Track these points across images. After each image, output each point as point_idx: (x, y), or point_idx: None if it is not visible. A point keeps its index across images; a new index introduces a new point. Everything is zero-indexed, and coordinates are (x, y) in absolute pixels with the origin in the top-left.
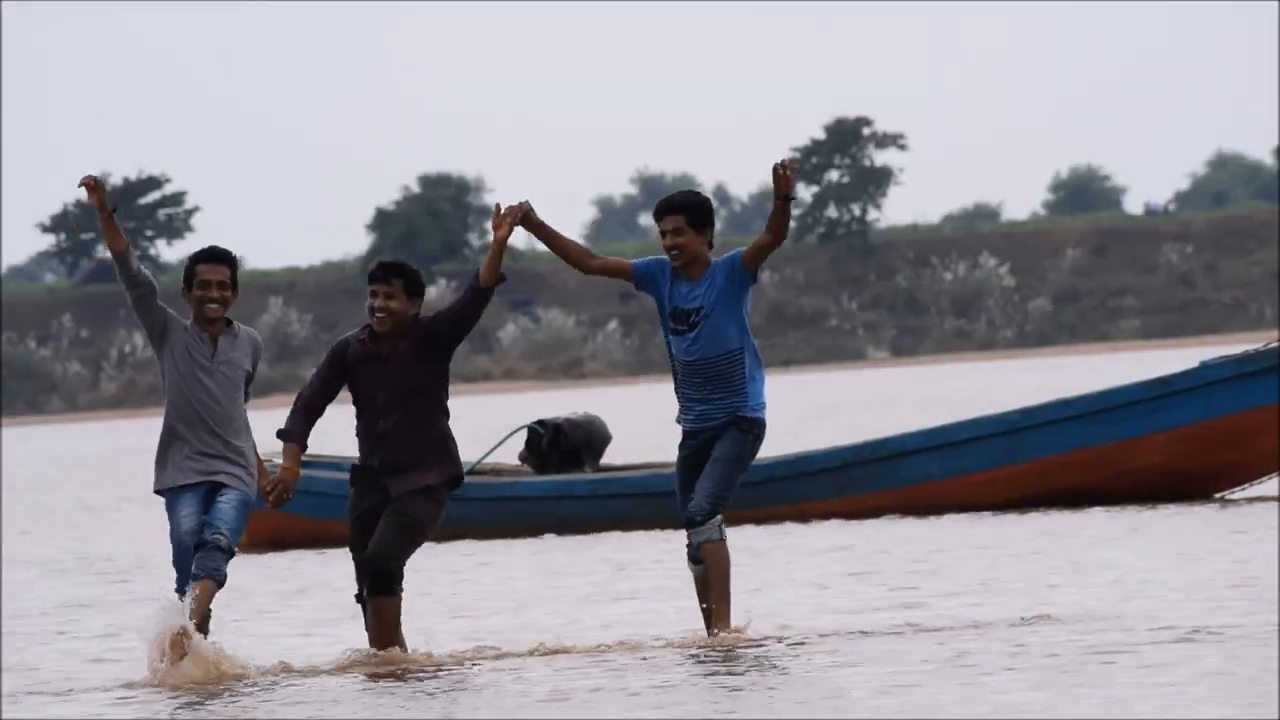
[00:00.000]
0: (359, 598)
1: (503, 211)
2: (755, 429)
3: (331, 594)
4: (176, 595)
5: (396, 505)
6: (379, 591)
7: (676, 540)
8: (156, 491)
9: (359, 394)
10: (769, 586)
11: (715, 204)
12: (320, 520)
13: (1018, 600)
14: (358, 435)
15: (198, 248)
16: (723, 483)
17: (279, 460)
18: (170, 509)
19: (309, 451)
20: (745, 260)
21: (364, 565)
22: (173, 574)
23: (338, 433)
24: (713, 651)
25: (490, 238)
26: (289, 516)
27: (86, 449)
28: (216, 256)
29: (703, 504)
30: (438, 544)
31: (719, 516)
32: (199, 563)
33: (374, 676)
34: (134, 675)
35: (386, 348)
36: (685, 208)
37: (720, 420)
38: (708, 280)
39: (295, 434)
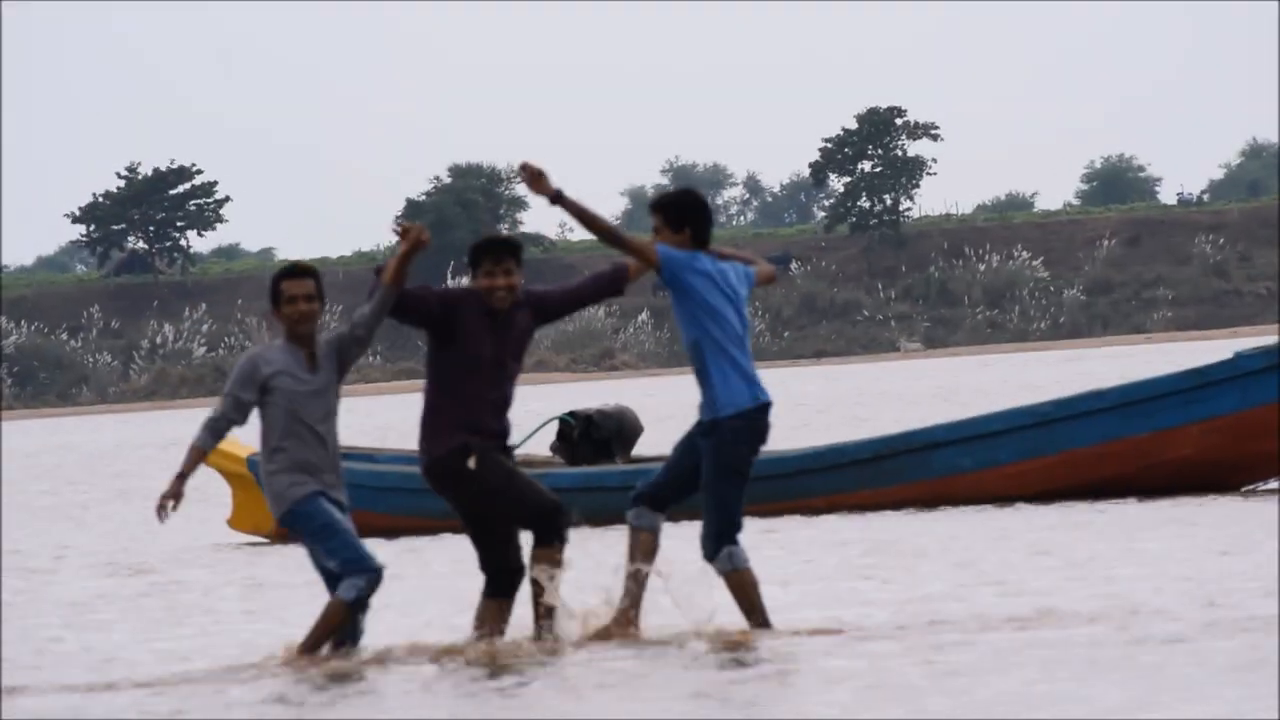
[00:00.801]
0: (503, 582)
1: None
2: (719, 432)
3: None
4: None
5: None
6: (559, 540)
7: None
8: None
9: (470, 355)
10: (816, 578)
11: (714, 201)
12: (389, 516)
13: (1076, 592)
14: (450, 399)
15: (231, 241)
16: (715, 513)
17: None
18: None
19: (372, 447)
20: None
21: (554, 510)
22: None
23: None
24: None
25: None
26: (357, 513)
27: (117, 439)
28: (300, 271)
29: (706, 545)
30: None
31: (727, 548)
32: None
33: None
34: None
35: (506, 312)
36: (662, 208)
37: (704, 421)
38: None
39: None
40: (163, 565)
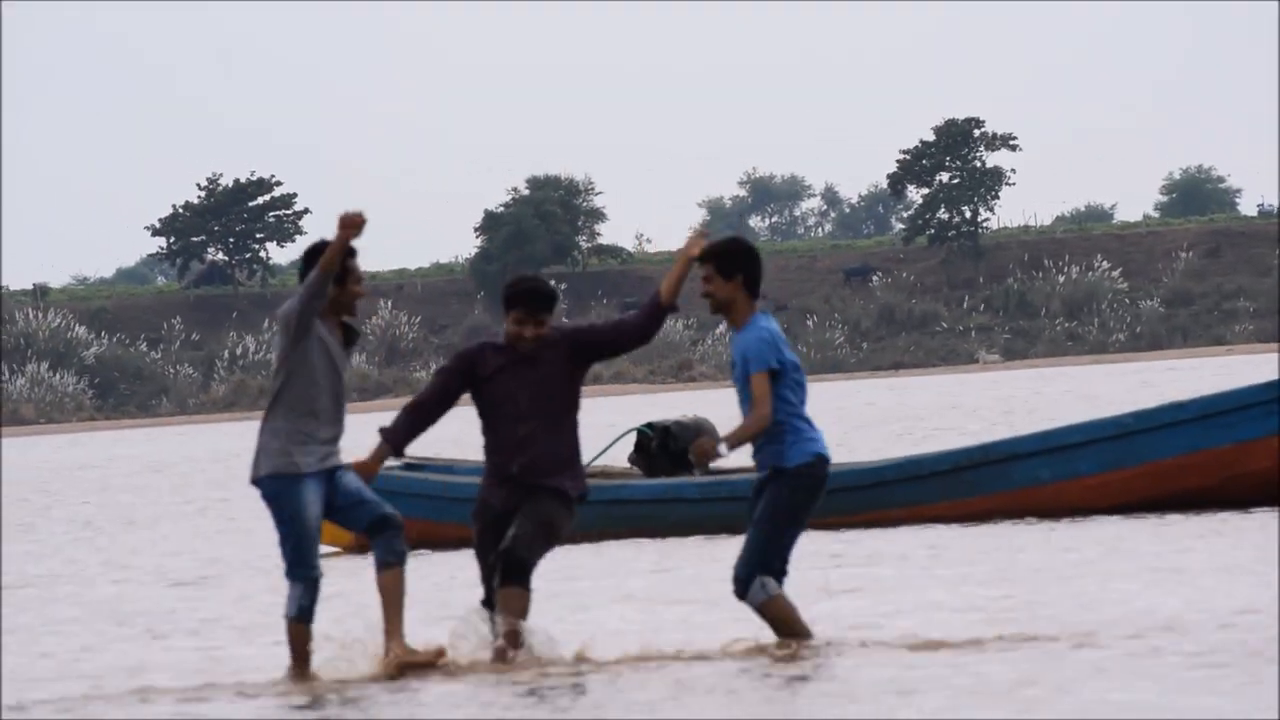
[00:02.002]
0: (487, 601)
1: (693, 235)
2: (796, 479)
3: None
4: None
5: (534, 504)
6: (512, 581)
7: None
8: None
9: (495, 398)
10: (913, 589)
11: (791, 213)
12: (433, 523)
13: (1172, 601)
14: (488, 445)
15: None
16: (754, 546)
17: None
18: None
19: (418, 455)
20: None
21: (501, 555)
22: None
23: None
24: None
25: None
26: (431, 524)
27: (198, 450)
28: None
29: (738, 571)
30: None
31: (758, 581)
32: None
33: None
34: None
35: (531, 352)
36: (712, 257)
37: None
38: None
39: (395, 434)
40: (227, 577)
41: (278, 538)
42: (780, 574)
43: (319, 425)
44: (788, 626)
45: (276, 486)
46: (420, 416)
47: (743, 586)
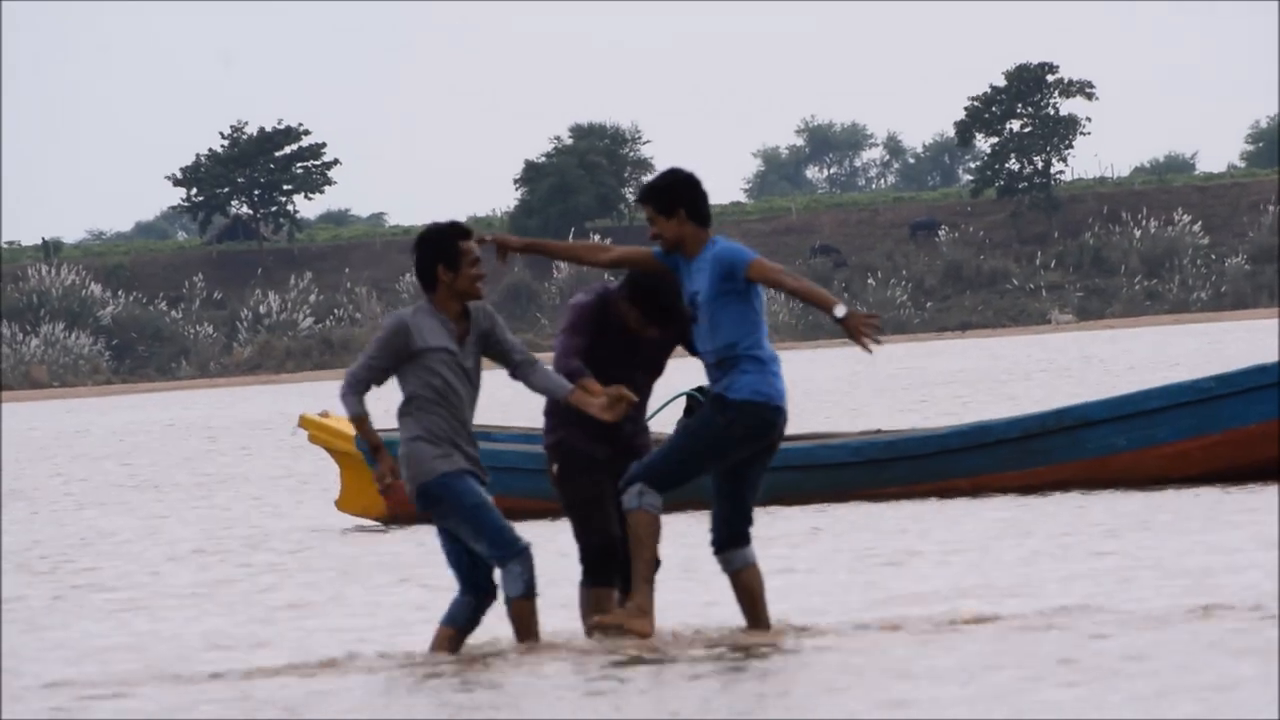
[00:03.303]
0: (600, 579)
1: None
2: (728, 409)
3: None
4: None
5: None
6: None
7: (838, 514)
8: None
9: (608, 355)
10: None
11: (852, 163)
12: (509, 498)
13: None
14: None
15: (340, 206)
16: (659, 454)
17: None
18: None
19: (495, 422)
20: (751, 275)
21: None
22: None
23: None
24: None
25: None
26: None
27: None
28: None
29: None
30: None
31: (636, 487)
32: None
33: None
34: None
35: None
36: (650, 197)
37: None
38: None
39: (578, 372)
40: (262, 550)
41: (471, 538)
42: (734, 525)
43: (451, 430)
44: (638, 549)
45: (443, 484)
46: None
47: (624, 484)
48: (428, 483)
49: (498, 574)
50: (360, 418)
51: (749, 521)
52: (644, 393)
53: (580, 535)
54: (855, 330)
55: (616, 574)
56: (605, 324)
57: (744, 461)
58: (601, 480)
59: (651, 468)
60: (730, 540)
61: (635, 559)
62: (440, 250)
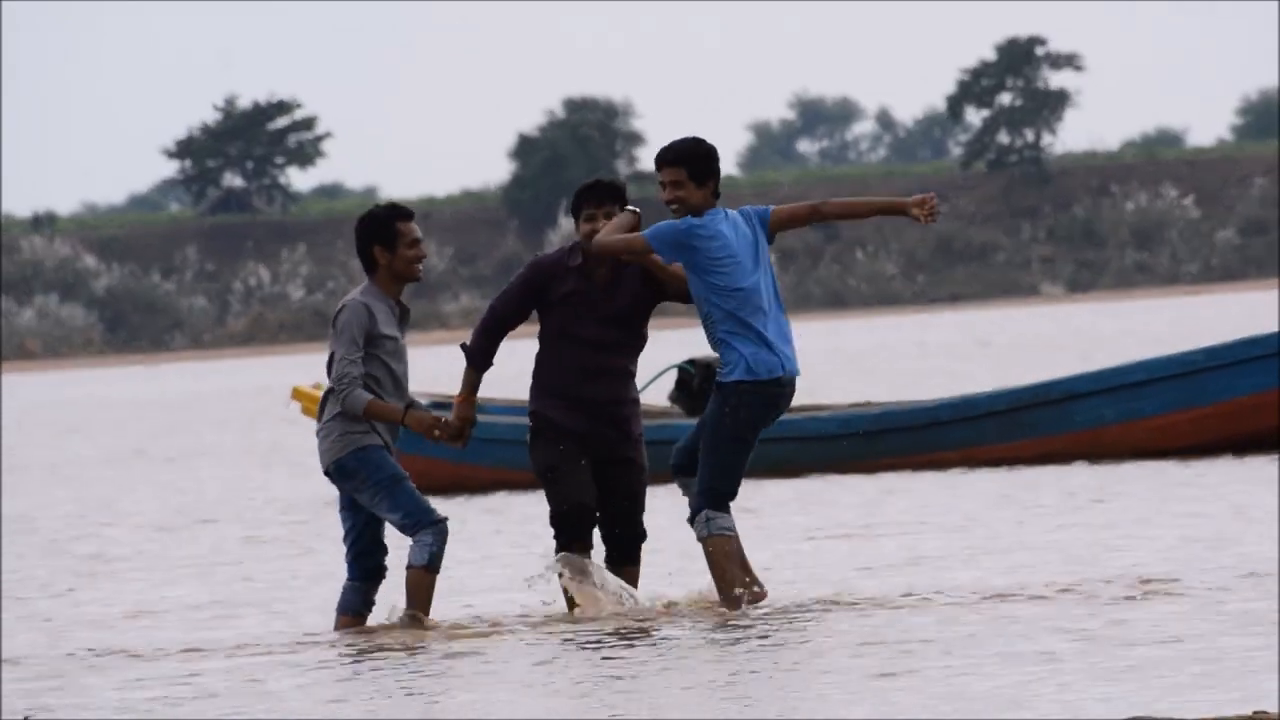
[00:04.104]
0: (572, 537)
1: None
2: (726, 395)
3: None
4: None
5: (632, 462)
6: (634, 561)
7: (833, 485)
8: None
9: (562, 324)
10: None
11: (843, 136)
12: (469, 465)
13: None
14: (547, 369)
15: (333, 179)
16: (703, 472)
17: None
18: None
19: (439, 392)
20: (773, 223)
21: (634, 537)
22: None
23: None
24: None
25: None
26: (455, 466)
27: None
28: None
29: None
30: None
31: (704, 514)
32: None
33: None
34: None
35: (603, 274)
36: (687, 159)
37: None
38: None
39: (476, 360)
40: (243, 522)
41: (384, 507)
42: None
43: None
44: (719, 572)
45: (361, 457)
46: (499, 334)
47: (691, 515)
48: (343, 457)
49: (396, 555)
50: (372, 403)
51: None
52: (619, 354)
53: (548, 500)
54: (925, 218)
55: (588, 533)
56: (551, 292)
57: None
58: (570, 450)
59: (708, 489)
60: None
61: (717, 580)
62: (377, 232)
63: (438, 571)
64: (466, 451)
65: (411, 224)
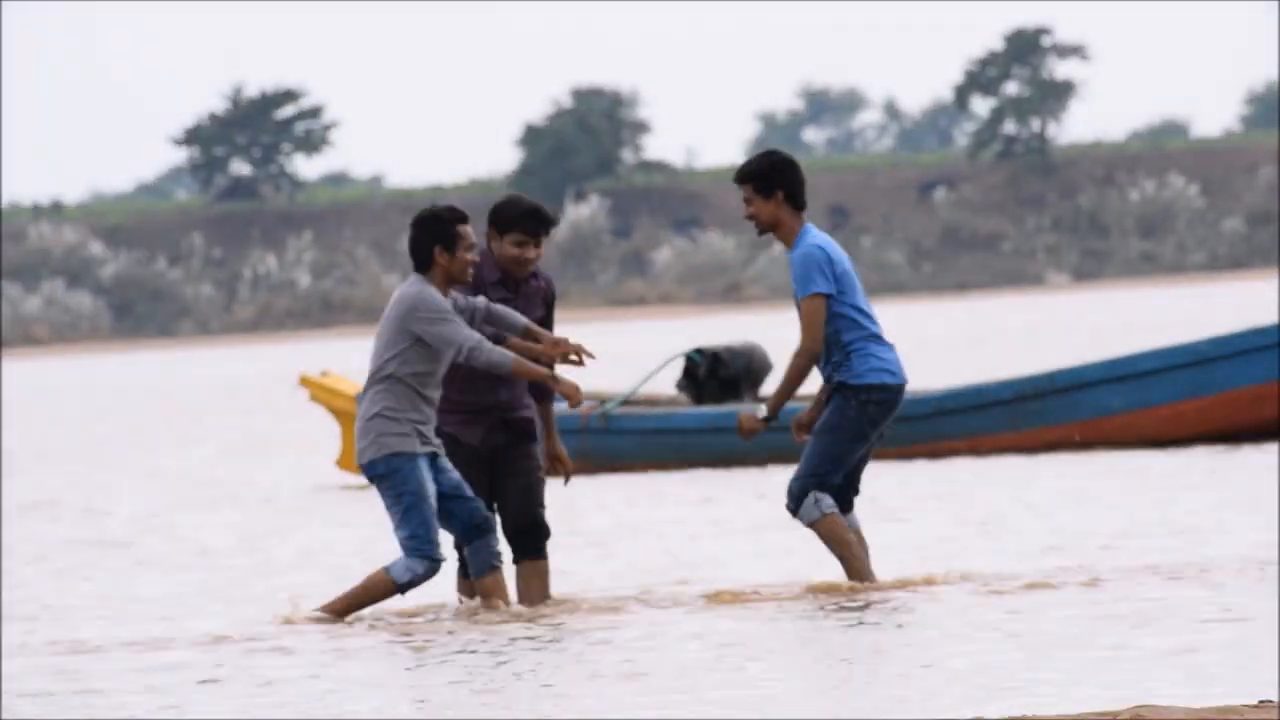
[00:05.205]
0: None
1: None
2: (862, 394)
3: None
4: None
5: (531, 459)
6: (538, 553)
7: None
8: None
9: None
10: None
11: (849, 126)
12: None
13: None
14: (458, 381)
15: (340, 167)
16: (809, 457)
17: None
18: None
19: None
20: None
21: (531, 527)
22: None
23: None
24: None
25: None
26: None
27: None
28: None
29: (791, 485)
30: (589, 477)
31: (811, 496)
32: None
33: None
34: None
35: (517, 285)
36: (750, 176)
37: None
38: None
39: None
40: (259, 509)
41: (396, 520)
42: (844, 494)
43: (431, 409)
44: (842, 549)
45: (394, 465)
46: None
47: (795, 501)
48: (376, 459)
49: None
50: (518, 360)
51: (855, 495)
52: (510, 377)
53: None
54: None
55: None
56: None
57: None
58: (474, 468)
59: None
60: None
61: (843, 561)
62: (439, 233)
63: (402, 595)
64: None
65: (469, 228)
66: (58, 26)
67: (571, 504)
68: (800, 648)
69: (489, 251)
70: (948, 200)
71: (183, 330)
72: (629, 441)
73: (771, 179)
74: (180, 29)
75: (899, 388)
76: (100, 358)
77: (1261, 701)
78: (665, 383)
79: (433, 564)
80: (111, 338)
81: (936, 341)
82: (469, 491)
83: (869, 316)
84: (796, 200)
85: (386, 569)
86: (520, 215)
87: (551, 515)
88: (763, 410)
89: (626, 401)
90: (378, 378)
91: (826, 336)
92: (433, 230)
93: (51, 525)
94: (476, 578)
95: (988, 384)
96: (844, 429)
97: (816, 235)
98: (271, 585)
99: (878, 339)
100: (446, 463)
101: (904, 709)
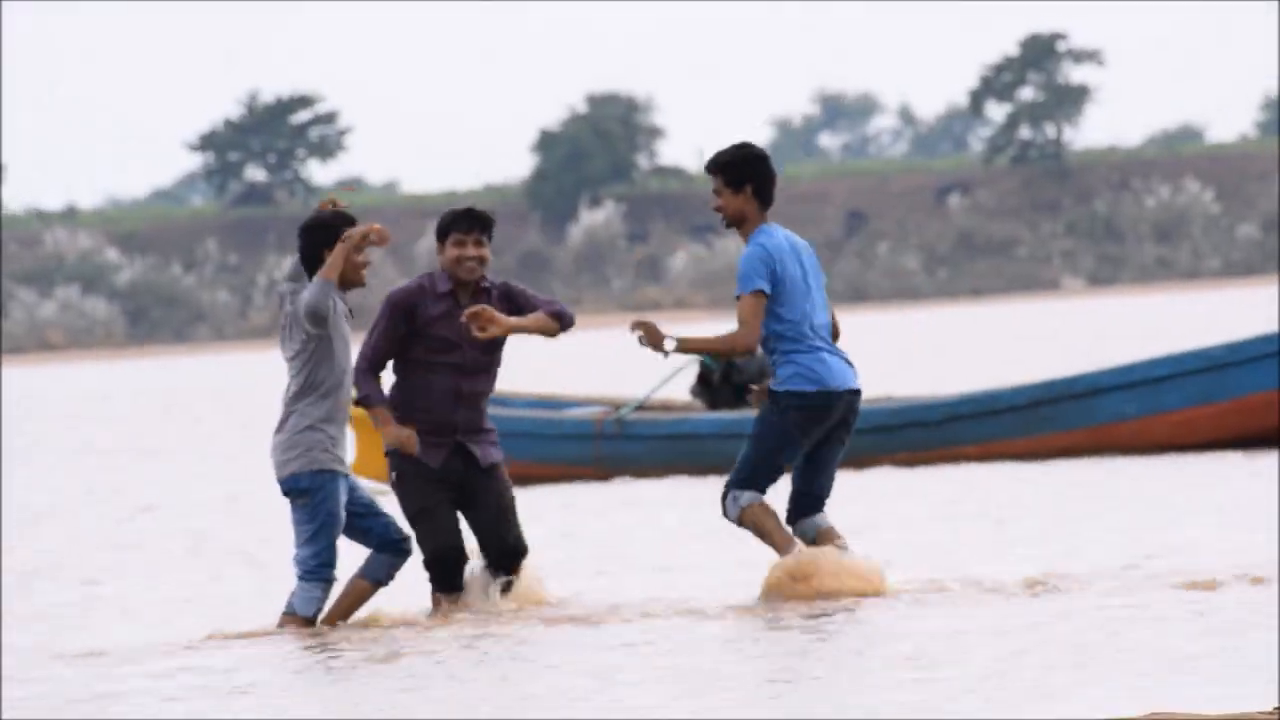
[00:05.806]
0: (442, 586)
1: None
2: (783, 400)
3: None
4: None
5: (498, 482)
6: (513, 572)
7: (855, 480)
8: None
9: (431, 349)
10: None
11: (864, 131)
12: (521, 464)
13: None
14: (407, 393)
15: (354, 173)
16: (737, 462)
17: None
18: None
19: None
20: None
21: (514, 554)
22: None
23: None
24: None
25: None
26: None
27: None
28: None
29: (722, 490)
30: (601, 483)
31: (730, 495)
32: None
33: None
34: None
35: (469, 300)
36: (720, 168)
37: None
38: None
39: (378, 398)
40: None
41: (305, 537)
42: (805, 500)
43: (342, 421)
44: (764, 536)
45: (320, 481)
46: (378, 375)
47: (720, 504)
48: (301, 472)
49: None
50: (324, 270)
51: (820, 498)
52: (486, 379)
53: (420, 544)
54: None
55: (459, 576)
56: (418, 318)
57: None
58: (432, 490)
59: (737, 473)
60: (796, 514)
61: (770, 544)
62: (325, 238)
63: (311, 625)
64: None
65: (357, 230)
66: (73, 31)
67: (583, 509)
68: (800, 649)
69: (439, 265)
70: (963, 205)
71: (198, 336)
72: (643, 447)
73: (742, 172)
74: (196, 35)
75: (819, 394)
76: (115, 364)
77: (1277, 707)
78: (679, 388)
79: (329, 585)
80: (126, 343)
81: (951, 347)
82: (380, 508)
83: (802, 323)
84: (764, 196)
85: (289, 608)
86: (454, 218)
87: (561, 519)
88: (669, 343)
89: (641, 407)
90: (303, 391)
91: (762, 340)
92: (317, 236)
93: (58, 531)
94: (359, 577)
95: (1002, 389)
96: (767, 435)
97: (771, 235)
98: (282, 590)
99: (808, 346)
100: (355, 480)
101: (912, 712)
